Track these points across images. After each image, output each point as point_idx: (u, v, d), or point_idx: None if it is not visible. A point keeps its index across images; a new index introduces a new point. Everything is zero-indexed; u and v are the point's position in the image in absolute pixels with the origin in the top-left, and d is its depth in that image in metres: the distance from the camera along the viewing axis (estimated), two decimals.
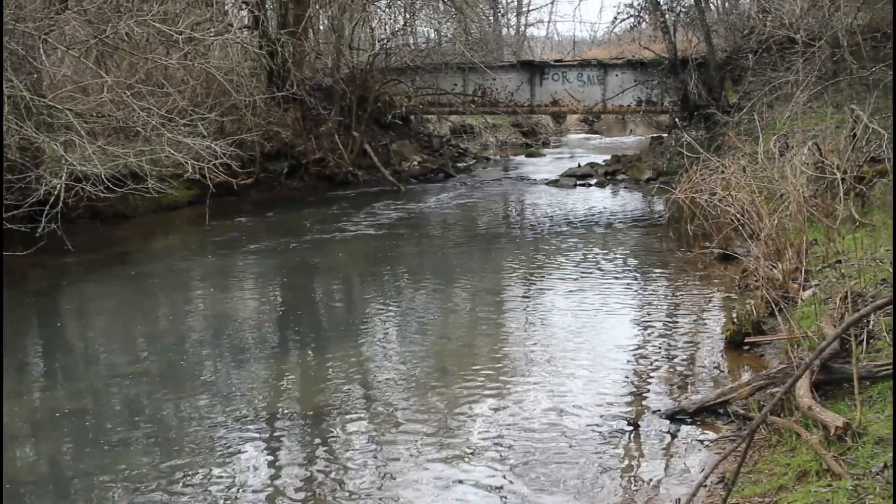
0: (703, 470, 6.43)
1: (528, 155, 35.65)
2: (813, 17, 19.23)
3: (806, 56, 18.61)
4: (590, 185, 25.23)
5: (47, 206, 13.90)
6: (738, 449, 5.00)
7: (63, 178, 14.20)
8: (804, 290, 9.83)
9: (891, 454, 5.28)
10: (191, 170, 16.34)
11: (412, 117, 31.66)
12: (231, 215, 19.84)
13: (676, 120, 25.91)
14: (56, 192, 14.01)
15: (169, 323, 12.00)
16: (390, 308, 12.30)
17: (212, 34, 19.33)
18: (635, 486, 6.55)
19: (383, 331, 11.17)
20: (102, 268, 14.93)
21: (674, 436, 7.35)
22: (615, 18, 28.80)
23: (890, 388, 6.40)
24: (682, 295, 12.27)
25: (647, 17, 27.85)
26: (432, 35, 33.03)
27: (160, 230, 18.72)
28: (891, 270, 8.92)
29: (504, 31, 45.70)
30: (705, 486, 6.22)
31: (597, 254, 15.34)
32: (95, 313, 12.70)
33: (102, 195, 15.07)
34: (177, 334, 11.22)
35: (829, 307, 8.46)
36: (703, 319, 11.02)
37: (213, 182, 16.95)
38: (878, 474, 5.06)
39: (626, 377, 8.84)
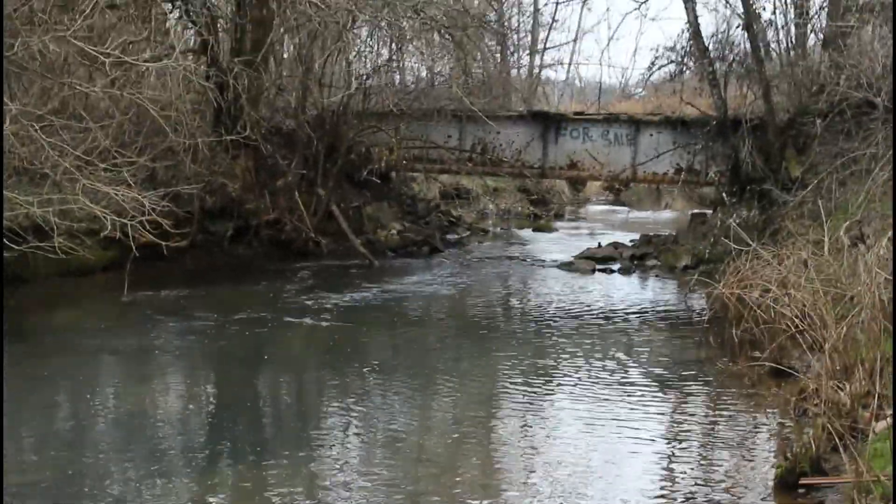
0: None
1: (537, 229, 35.82)
2: None
3: (888, 124, 18.90)
4: (612, 272, 25.33)
5: None
6: None
7: None
8: (877, 420, 9.83)
9: None
10: (110, 226, 16.38)
11: (393, 175, 31.85)
12: (158, 286, 19.79)
13: (724, 195, 26.14)
14: None
15: (69, 421, 11.90)
16: (353, 415, 12.21)
17: (147, 58, 19.55)
18: None
19: (342, 444, 11.07)
20: None
21: None
22: (652, 64, 29.08)
23: None
24: (722, 418, 12.24)
25: (691, 64, 28.25)
26: (423, 74, 33.44)
27: (67, 300, 18.65)
28: None
29: (513, 72, 46.28)
30: None
31: (617, 360, 15.32)
32: None
33: None
34: (79, 436, 11.12)
35: None
36: (749, 451, 10.98)
37: (138, 243, 16.97)
38: None
39: None
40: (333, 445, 10.99)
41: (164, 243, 18.42)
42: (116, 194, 16.56)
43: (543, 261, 27.00)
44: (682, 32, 27.68)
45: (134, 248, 16.87)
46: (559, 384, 13.84)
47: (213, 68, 23.15)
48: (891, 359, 11.15)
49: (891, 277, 11.90)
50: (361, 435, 11.43)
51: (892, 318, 11.13)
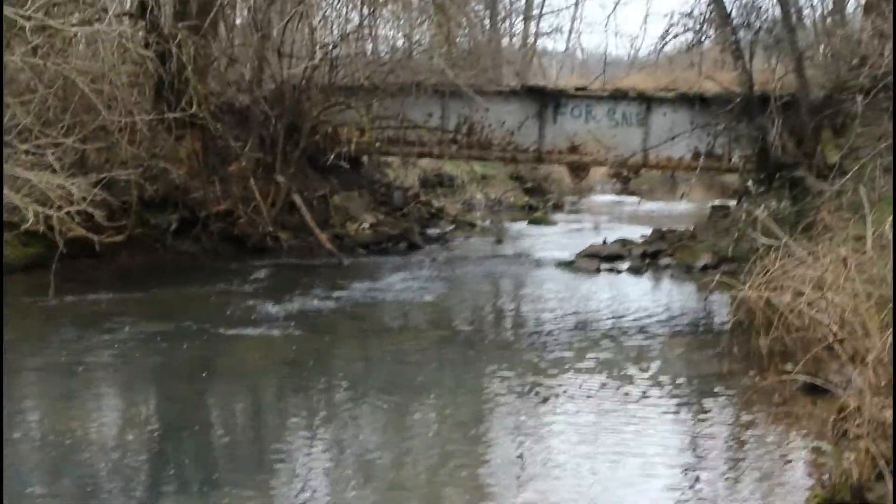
0: None
1: (532, 222, 35.87)
2: None
3: None
4: (619, 271, 25.36)
5: None
6: None
7: None
8: None
9: None
10: (32, 218, 16.29)
11: (364, 159, 31.85)
12: (89, 288, 19.71)
13: (749, 183, 26.23)
14: None
15: None
16: (319, 438, 12.20)
17: (76, 22, 19.44)
18: None
19: (307, 472, 11.02)
20: None
21: None
22: (665, 33, 29.09)
23: None
24: (748, 442, 12.25)
25: (711, 33, 28.29)
26: (400, 42, 33.42)
27: None
28: None
29: (505, 41, 46.36)
30: None
31: (625, 373, 15.34)
32: None
33: None
34: None
35: None
36: (779, 479, 11.00)
37: (65, 238, 16.88)
38: None
39: None
40: (295, 473, 10.93)
41: (96, 238, 18.37)
42: (39, 181, 16.47)
43: (540, 259, 27.02)
44: None
45: (61, 243, 16.79)
46: (557, 403, 13.83)
47: (153, 35, 23.03)
48: None
49: None
50: (328, 461, 11.39)
51: None
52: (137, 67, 23.23)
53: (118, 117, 21.13)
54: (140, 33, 23.19)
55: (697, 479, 10.91)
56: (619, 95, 29.00)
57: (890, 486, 8.57)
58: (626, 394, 14.22)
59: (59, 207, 16.53)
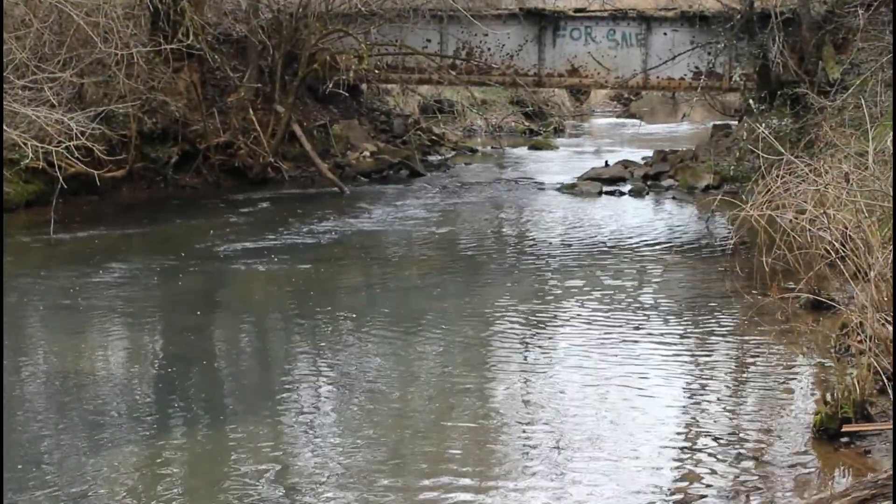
0: None
1: (534, 147, 35.79)
2: None
3: None
4: (622, 194, 25.36)
5: None
6: None
7: None
8: None
9: None
10: (31, 154, 16.24)
11: (364, 87, 31.67)
12: (90, 223, 19.70)
13: (751, 101, 26.08)
14: None
15: None
16: (325, 367, 12.25)
17: None
18: None
19: (313, 400, 11.09)
20: None
21: None
22: None
23: None
24: (752, 359, 12.29)
25: None
26: None
27: None
28: None
29: None
30: None
31: (629, 295, 15.38)
32: None
33: None
34: (4, 401, 11.10)
35: None
36: (783, 396, 11.04)
37: (65, 174, 16.83)
38: None
39: (668, 480, 8.83)
40: (302, 405, 10.98)
41: (96, 173, 18.30)
42: (38, 116, 16.41)
43: (542, 184, 26.98)
44: None
45: (61, 179, 16.74)
46: (562, 326, 13.88)
47: None
48: None
49: None
50: (334, 391, 11.44)
51: None
52: None
53: (115, 50, 21.02)
54: None
55: (703, 399, 10.97)
56: (618, 16, 28.88)
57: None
58: (631, 317, 14.24)
59: (59, 143, 16.49)
